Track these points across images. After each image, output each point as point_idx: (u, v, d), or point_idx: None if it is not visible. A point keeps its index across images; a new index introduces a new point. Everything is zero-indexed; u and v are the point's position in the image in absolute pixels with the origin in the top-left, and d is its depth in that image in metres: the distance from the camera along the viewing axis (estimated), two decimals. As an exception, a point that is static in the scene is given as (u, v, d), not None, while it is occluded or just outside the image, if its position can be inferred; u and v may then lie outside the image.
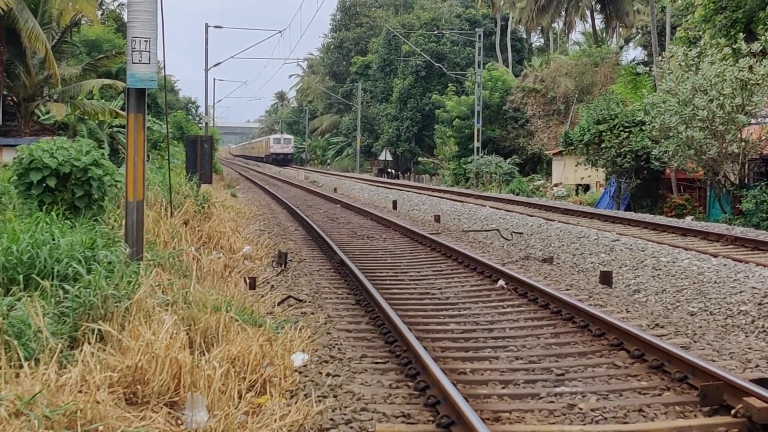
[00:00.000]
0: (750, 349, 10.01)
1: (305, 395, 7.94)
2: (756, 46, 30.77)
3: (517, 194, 47.98)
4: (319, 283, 14.68)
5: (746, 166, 31.70)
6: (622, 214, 31.28)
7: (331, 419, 7.24)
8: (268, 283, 15.12)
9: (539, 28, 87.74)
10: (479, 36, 63.58)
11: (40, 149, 14.21)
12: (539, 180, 57.56)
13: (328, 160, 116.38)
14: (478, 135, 60.73)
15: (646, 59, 63.39)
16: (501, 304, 12.89)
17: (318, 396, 7.87)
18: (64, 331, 8.09)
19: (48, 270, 9.41)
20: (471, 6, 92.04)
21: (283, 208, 33.51)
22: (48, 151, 14.15)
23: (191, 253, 15.47)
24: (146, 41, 11.78)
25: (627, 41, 75.75)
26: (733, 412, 7.33)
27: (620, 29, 78.99)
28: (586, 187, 49.02)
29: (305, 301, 12.86)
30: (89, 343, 7.74)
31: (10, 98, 35.72)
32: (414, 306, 12.70)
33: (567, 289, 13.89)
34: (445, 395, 7.52)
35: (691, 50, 33.07)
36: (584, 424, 7.34)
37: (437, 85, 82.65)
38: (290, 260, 17.14)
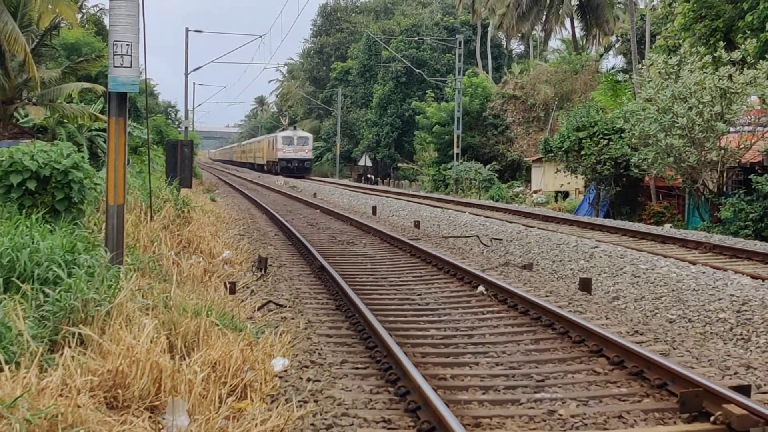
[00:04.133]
0: (729, 356, 10.06)
1: (286, 400, 7.94)
2: (736, 55, 30.95)
3: (497, 201, 48.06)
4: (300, 288, 14.66)
5: (725, 174, 31.86)
6: (601, 221, 31.39)
7: (312, 424, 7.24)
8: (248, 287, 15.10)
9: (519, 35, 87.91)
10: (459, 42, 63.67)
11: (20, 152, 14.17)
12: (518, 187, 57.64)
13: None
14: (457, 141, 60.80)
15: (625, 67, 63.73)
16: (481, 310, 12.90)
17: (299, 401, 7.87)
18: (45, 335, 8.07)
19: (28, 273, 9.41)
20: (450, 12, 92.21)
21: (263, 213, 33.44)
22: (28, 154, 14.11)
23: (171, 258, 15.45)
24: (128, 45, 11.76)
25: (607, 49, 76.11)
26: (712, 419, 7.36)
27: (600, 37, 79.14)
28: (566, 194, 49.13)
29: (285, 306, 12.85)
30: (70, 347, 7.73)
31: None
32: (394, 311, 12.70)
33: (547, 296, 13.92)
34: (426, 401, 7.52)
35: (670, 58, 33.22)
36: (564, 430, 7.37)
37: (417, 91, 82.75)
38: (270, 265, 17.10)
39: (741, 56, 31.31)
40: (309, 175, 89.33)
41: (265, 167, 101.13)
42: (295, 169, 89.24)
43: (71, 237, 11.62)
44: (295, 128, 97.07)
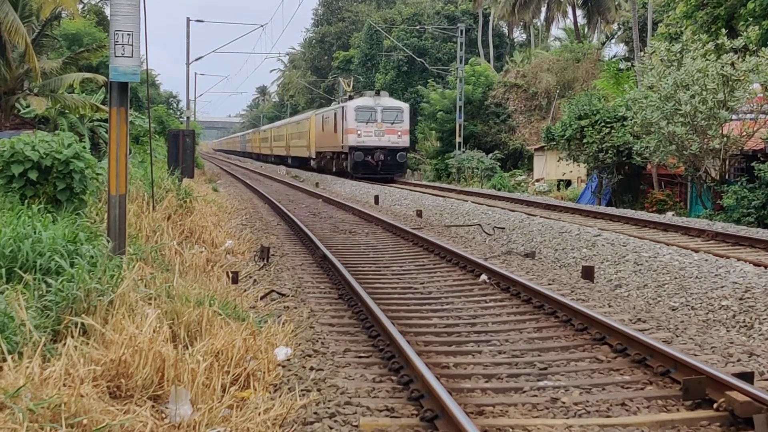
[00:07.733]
0: (731, 343, 10.06)
1: (289, 389, 7.94)
2: (738, 43, 30.86)
3: (499, 189, 47.94)
4: (302, 278, 14.67)
5: (727, 162, 31.77)
6: (603, 209, 31.32)
7: (315, 413, 7.24)
8: (250, 277, 15.10)
9: (521, 23, 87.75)
10: (461, 31, 63.45)
11: (21, 142, 14.16)
12: (521, 175, 57.58)
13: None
14: (459, 130, 60.67)
15: (627, 55, 63.55)
16: (484, 298, 12.91)
17: (302, 390, 7.86)
18: (48, 325, 8.06)
19: (30, 263, 9.39)
20: (451, 1, 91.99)
21: (265, 203, 33.47)
22: (29, 144, 14.10)
23: (173, 248, 15.43)
24: (129, 35, 11.72)
25: (609, 37, 75.94)
26: (715, 405, 7.36)
27: (602, 25, 79.05)
28: (568, 183, 49.06)
29: (288, 296, 12.86)
30: (72, 337, 7.72)
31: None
32: (397, 300, 12.71)
33: (549, 284, 13.92)
34: (429, 389, 7.52)
35: (673, 46, 33.13)
36: (567, 418, 7.36)
37: (419, 80, 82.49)
38: (272, 255, 17.12)
39: (743, 44, 31.20)
40: (402, 175, 54.93)
41: (313, 162, 65.30)
42: (381, 165, 51.86)
43: (73, 227, 11.61)
44: (378, 93, 55.51)
